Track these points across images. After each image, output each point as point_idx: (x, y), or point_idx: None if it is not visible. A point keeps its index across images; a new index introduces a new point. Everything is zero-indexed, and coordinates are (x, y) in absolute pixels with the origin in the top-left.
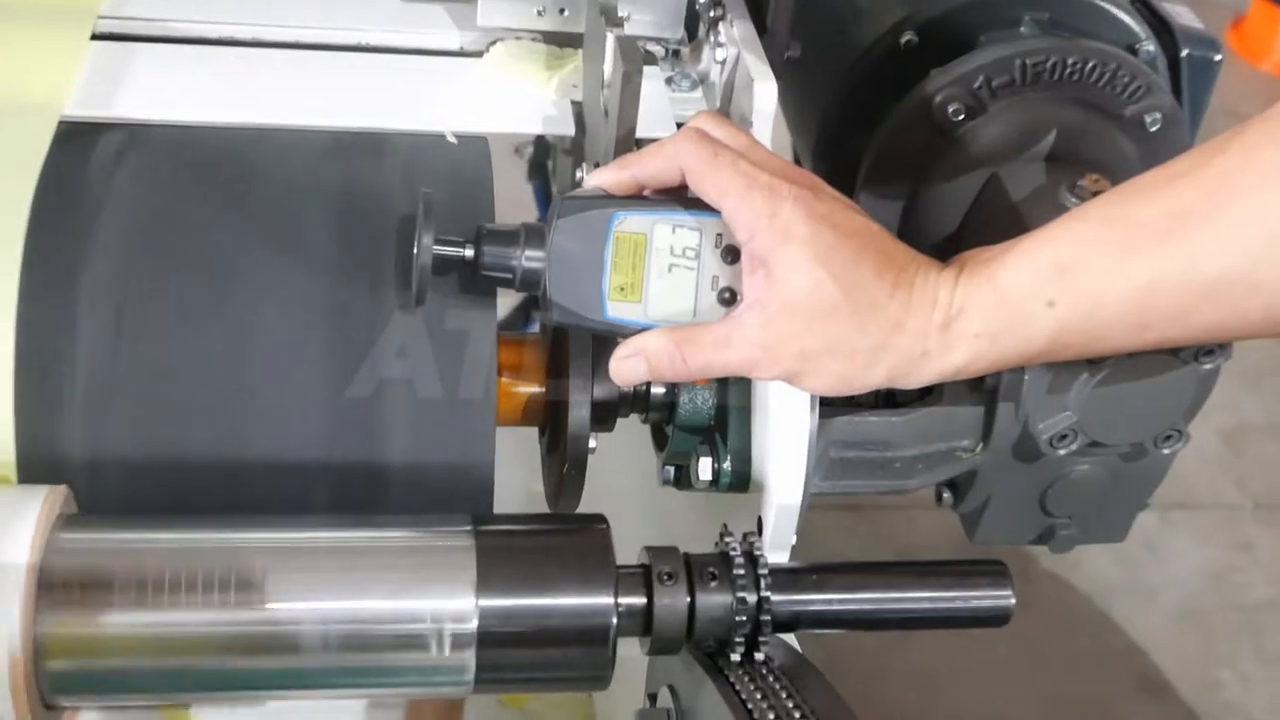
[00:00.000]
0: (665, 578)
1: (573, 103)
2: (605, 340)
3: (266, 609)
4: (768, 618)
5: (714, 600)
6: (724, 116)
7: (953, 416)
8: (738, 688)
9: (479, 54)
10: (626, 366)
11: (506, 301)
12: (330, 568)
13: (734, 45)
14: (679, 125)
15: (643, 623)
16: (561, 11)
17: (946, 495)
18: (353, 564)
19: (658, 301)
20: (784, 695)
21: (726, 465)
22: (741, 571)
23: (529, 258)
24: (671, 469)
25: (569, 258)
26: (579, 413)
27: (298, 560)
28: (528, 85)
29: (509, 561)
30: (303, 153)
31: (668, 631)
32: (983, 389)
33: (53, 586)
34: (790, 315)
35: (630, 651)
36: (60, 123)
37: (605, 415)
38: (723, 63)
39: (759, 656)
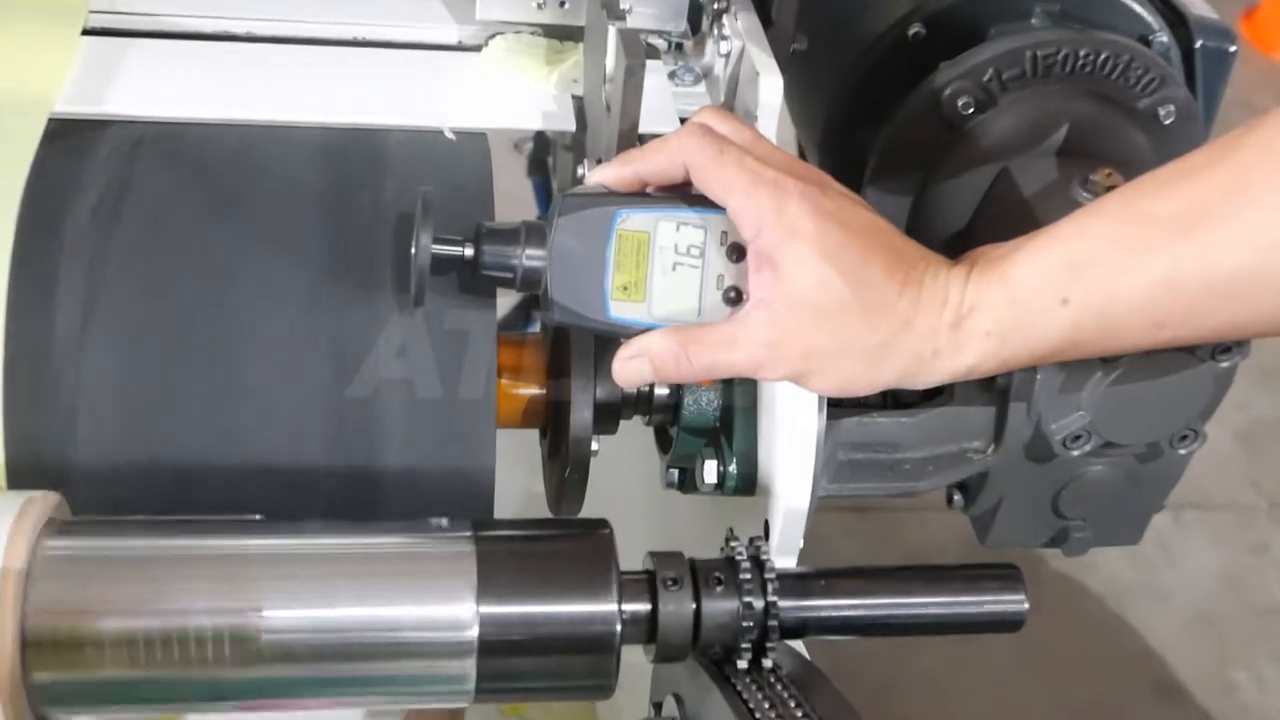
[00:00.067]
0: (670, 583)
1: (573, 98)
2: (607, 341)
3: (262, 617)
4: (775, 624)
5: (720, 606)
6: (728, 111)
7: (964, 417)
8: (745, 696)
9: (478, 48)
10: (629, 368)
11: (506, 301)
12: (327, 574)
13: (738, 38)
14: (682, 120)
15: (647, 630)
16: (562, 4)
17: (957, 497)
18: (350, 570)
19: (661, 301)
20: (792, 704)
21: (732, 468)
22: (748, 577)
23: (530, 256)
24: (676, 472)
25: (571, 256)
26: (581, 415)
27: (293, 567)
28: (527, 80)
29: (510, 567)
30: (300, 150)
31: (673, 638)
32: (994, 389)
33: (40, 594)
34: (797, 313)
35: (634, 659)
36: (51, 120)
37: (608, 417)
38: (727, 56)
39: (766, 664)
